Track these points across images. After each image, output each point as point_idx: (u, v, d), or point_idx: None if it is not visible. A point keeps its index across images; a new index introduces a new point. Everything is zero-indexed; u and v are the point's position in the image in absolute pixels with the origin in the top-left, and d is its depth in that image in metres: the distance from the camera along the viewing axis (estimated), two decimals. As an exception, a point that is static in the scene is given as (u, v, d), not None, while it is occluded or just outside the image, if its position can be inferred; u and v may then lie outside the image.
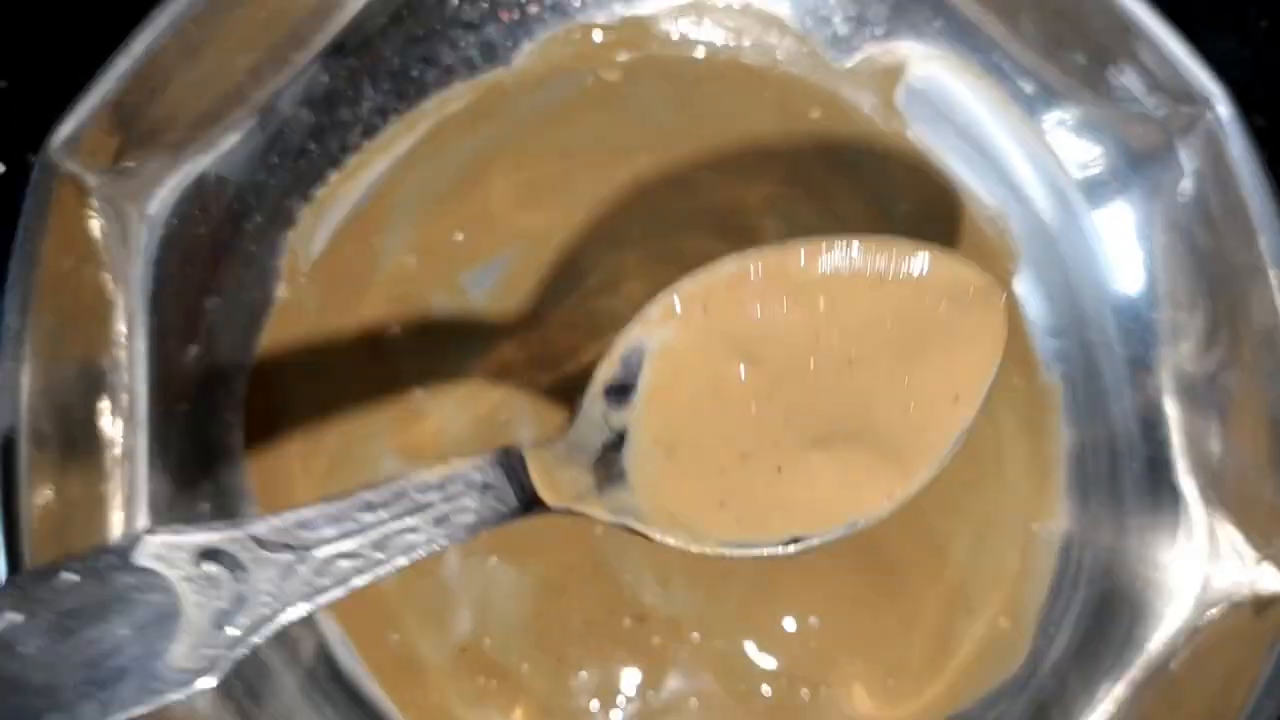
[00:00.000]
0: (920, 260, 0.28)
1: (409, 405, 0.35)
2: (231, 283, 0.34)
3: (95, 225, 0.31)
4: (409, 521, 0.25)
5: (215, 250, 0.34)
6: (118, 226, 0.31)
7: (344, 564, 0.25)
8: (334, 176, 0.36)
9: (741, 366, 0.28)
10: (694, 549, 0.27)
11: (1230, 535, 0.31)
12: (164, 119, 0.31)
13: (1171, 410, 0.33)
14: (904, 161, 0.36)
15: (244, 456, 0.34)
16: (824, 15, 0.36)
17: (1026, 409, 0.35)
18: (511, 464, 0.26)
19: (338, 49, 0.34)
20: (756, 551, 0.28)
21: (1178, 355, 0.33)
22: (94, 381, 0.31)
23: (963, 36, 0.35)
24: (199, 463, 0.33)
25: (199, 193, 0.33)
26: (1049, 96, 0.34)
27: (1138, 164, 0.33)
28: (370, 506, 0.25)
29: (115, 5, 0.35)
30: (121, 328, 0.32)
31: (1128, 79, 0.32)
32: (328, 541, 0.25)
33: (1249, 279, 0.30)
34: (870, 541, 0.35)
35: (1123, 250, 0.34)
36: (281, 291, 0.35)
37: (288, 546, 0.24)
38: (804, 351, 0.28)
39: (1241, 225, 0.30)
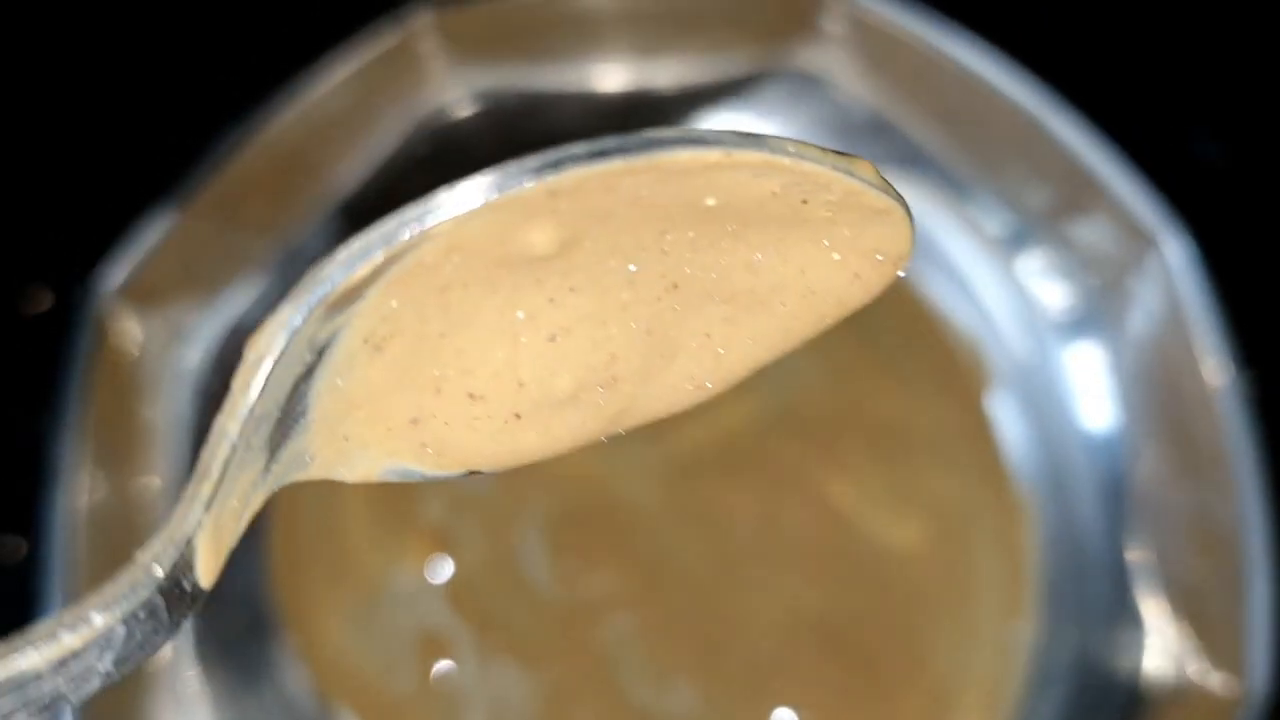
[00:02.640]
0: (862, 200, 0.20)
1: (428, 526, 0.37)
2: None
3: (142, 364, 0.33)
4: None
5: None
6: (162, 362, 0.34)
7: None
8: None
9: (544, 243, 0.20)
10: (354, 479, 0.21)
11: (1189, 643, 0.34)
12: (205, 262, 0.34)
13: (1135, 527, 0.36)
14: (885, 292, 0.39)
15: (273, 577, 0.37)
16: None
17: (1000, 523, 0.38)
18: (171, 578, 0.18)
19: (360, 197, 0.37)
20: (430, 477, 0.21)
21: (1140, 476, 0.36)
22: (137, 505, 0.34)
23: (935, 176, 0.38)
24: (233, 584, 0.36)
25: (236, 333, 0.36)
26: (1018, 237, 0.37)
27: (1101, 303, 0.36)
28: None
29: (149, 147, 0.38)
30: (162, 457, 0.34)
31: (1087, 221, 0.35)
32: None
33: (1202, 407, 0.33)
34: (855, 641, 0.37)
35: (1091, 380, 0.37)
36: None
37: None
38: (633, 240, 0.20)
39: (1192, 360, 0.33)
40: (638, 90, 0.38)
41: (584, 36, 0.38)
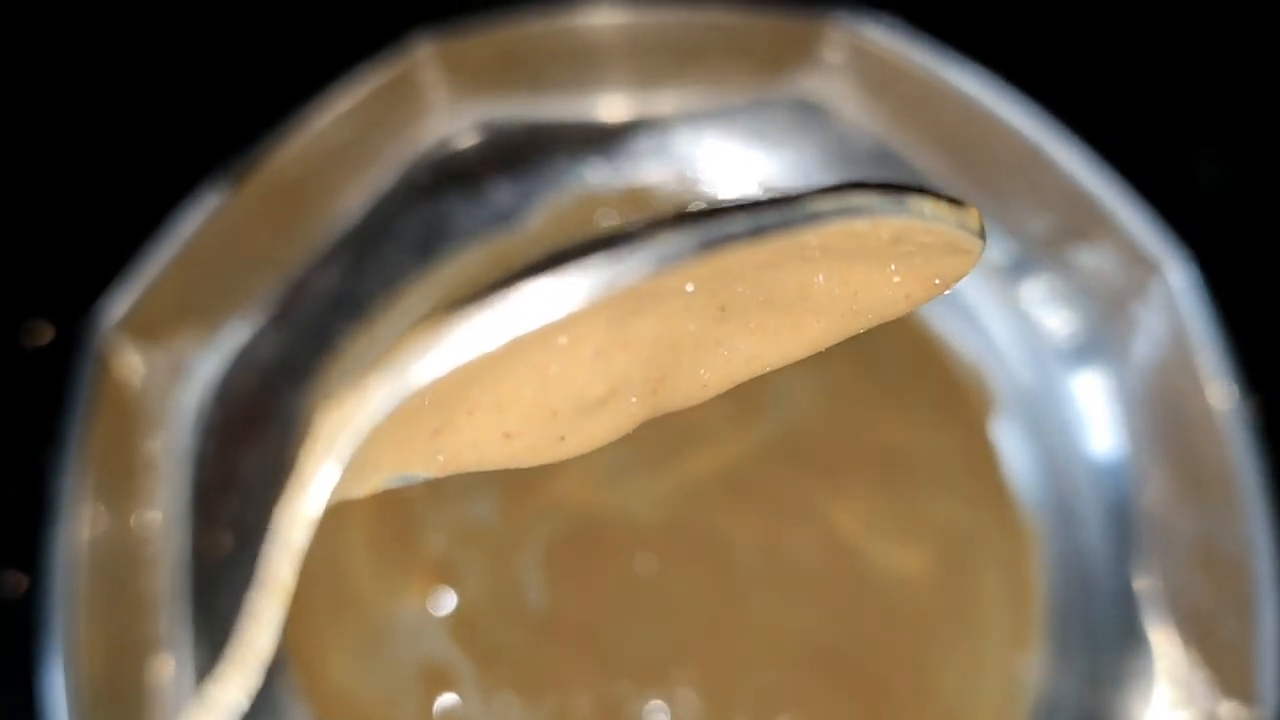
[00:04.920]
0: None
1: (430, 558, 0.37)
2: (265, 444, 0.37)
3: (144, 397, 0.33)
4: None
5: (250, 414, 0.37)
6: (164, 395, 0.34)
7: None
8: (360, 339, 0.38)
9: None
10: (364, 493, 0.20)
11: (1199, 670, 0.34)
12: (206, 295, 0.34)
13: (1142, 553, 0.36)
14: (889, 320, 0.39)
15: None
16: (814, 181, 0.39)
17: (1006, 551, 0.38)
18: None
19: (362, 226, 0.37)
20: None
21: (1146, 502, 0.36)
22: (139, 538, 0.34)
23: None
24: (235, 616, 0.35)
25: (238, 360, 0.36)
26: (1021, 265, 0.37)
27: (1105, 329, 0.36)
28: None
29: (150, 180, 0.38)
30: (164, 491, 0.34)
31: (1089, 248, 0.35)
32: None
33: (1207, 432, 0.33)
34: (862, 675, 0.37)
35: (1095, 405, 0.37)
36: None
37: None
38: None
39: (1197, 384, 0.33)
40: (640, 120, 0.38)
41: (585, 67, 0.38)
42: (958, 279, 0.21)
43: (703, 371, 0.22)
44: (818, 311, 0.21)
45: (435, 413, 0.19)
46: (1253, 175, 0.40)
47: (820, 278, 0.21)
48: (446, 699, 0.36)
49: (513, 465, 0.20)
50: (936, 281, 0.21)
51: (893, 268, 0.20)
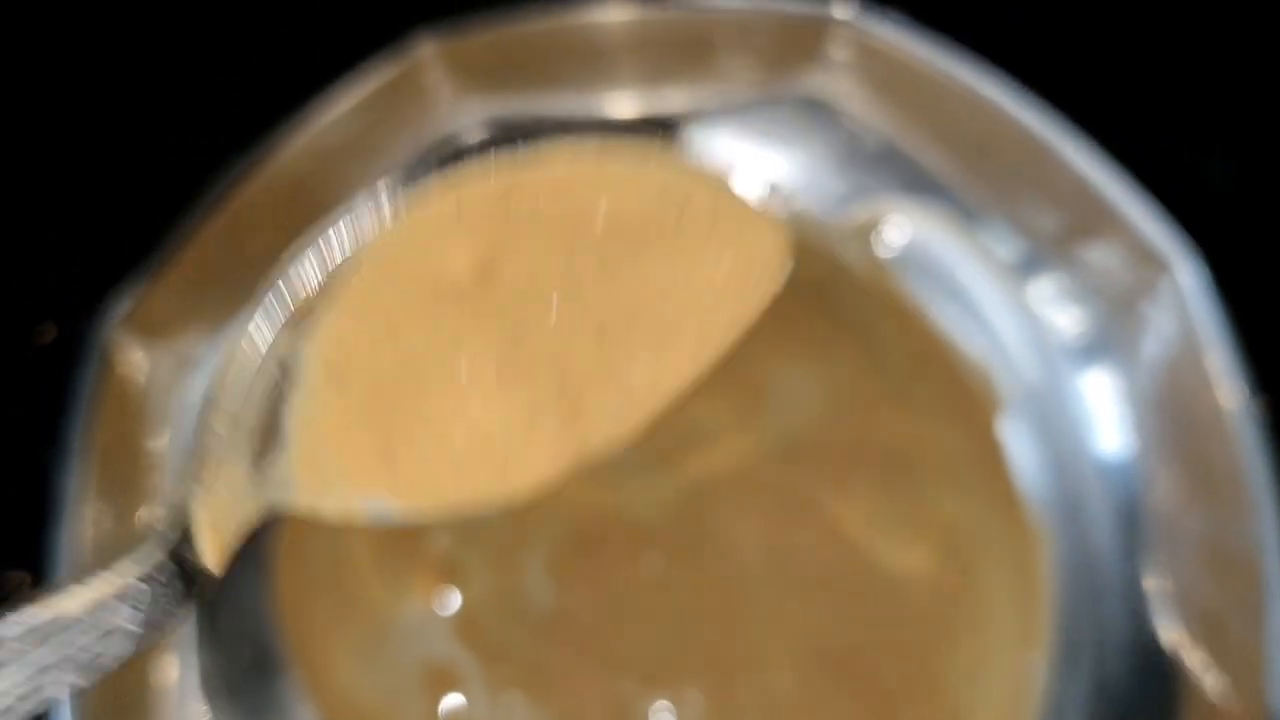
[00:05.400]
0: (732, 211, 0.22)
1: (435, 558, 0.37)
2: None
3: (148, 394, 0.33)
4: (51, 661, 0.20)
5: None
6: (168, 394, 0.34)
7: None
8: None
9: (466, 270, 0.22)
10: (337, 512, 0.22)
11: (1208, 669, 0.33)
12: (212, 293, 0.34)
13: (1150, 552, 0.36)
14: (896, 318, 0.39)
15: (279, 613, 0.36)
16: (821, 180, 0.39)
17: (1014, 550, 0.37)
18: (178, 547, 0.21)
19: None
20: (413, 514, 0.22)
21: (1155, 501, 0.35)
22: (141, 537, 0.33)
23: (944, 202, 0.38)
24: (239, 621, 0.35)
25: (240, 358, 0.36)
26: (1028, 263, 0.37)
27: (1113, 328, 0.36)
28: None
29: (154, 177, 0.38)
30: (167, 487, 0.34)
31: (1098, 246, 0.35)
32: None
33: (1214, 433, 0.33)
34: (869, 675, 0.37)
35: (1103, 404, 0.37)
36: (313, 445, 0.38)
37: None
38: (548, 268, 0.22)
39: (1206, 383, 0.33)
40: (644, 118, 0.38)
41: (588, 65, 0.38)
42: (774, 261, 0.22)
43: (613, 405, 0.23)
44: (685, 317, 0.22)
45: (373, 431, 0.20)
46: (1260, 174, 0.40)
47: (660, 275, 0.22)
48: (452, 699, 0.36)
49: (473, 504, 0.21)
50: (758, 262, 0.22)
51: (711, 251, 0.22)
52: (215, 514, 0.21)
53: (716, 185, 0.21)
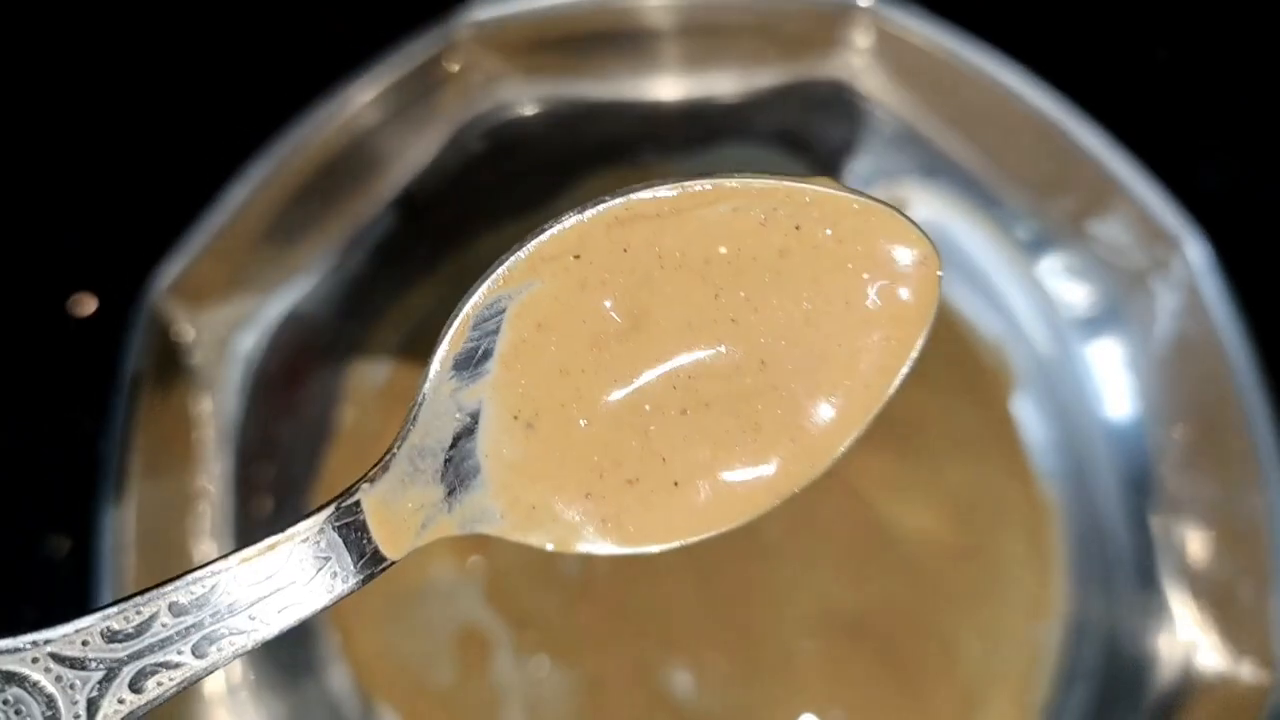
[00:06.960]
0: (846, 208, 0.23)
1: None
2: (304, 408, 0.38)
3: (191, 362, 0.34)
4: (228, 622, 0.22)
5: (291, 380, 0.38)
6: (211, 362, 0.35)
7: (164, 674, 0.21)
8: (395, 311, 0.39)
9: (616, 319, 0.23)
10: (556, 547, 0.23)
11: (1218, 635, 0.35)
12: (254, 264, 0.35)
13: (1158, 521, 0.37)
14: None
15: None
16: (840, 159, 0.40)
17: (1027, 520, 0.39)
18: (348, 522, 0.22)
19: (402, 202, 0.38)
20: (626, 551, 0.24)
21: (1164, 471, 0.37)
22: (185, 502, 0.35)
23: (961, 184, 0.39)
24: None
25: (281, 329, 0.37)
26: (1041, 241, 0.38)
27: (1123, 303, 0.37)
28: (178, 610, 0.22)
29: (192, 154, 0.39)
30: (210, 454, 0.35)
31: (1109, 225, 0.36)
32: (137, 653, 0.21)
33: (1224, 404, 0.34)
34: (886, 642, 0.38)
35: (1113, 378, 0.38)
36: (347, 415, 0.39)
37: (87, 663, 0.21)
38: (696, 307, 0.23)
39: (1216, 356, 0.34)
40: (671, 101, 0.39)
41: (620, 49, 0.39)
42: (923, 256, 0.23)
43: (797, 436, 0.24)
44: (839, 344, 0.24)
45: (576, 473, 0.23)
46: (1266, 160, 0.41)
47: (806, 305, 0.23)
48: (481, 661, 0.37)
49: (679, 537, 0.23)
50: (902, 263, 0.24)
51: (850, 266, 0.23)
52: (392, 514, 0.23)
53: (814, 184, 0.23)
